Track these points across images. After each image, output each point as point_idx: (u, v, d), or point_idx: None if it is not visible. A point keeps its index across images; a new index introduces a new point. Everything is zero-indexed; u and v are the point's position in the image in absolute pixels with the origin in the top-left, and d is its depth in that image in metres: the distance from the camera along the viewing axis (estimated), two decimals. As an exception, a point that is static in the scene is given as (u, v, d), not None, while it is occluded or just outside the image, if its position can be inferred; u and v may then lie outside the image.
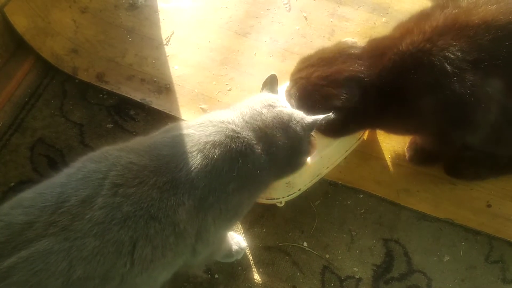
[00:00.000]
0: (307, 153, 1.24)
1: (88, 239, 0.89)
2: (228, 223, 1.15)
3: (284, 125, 1.14)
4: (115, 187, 0.94)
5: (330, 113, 1.17)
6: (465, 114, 1.22)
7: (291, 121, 1.15)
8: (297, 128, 1.15)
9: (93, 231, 0.90)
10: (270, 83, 1.25)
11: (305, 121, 1.17)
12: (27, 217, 0.91)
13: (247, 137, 1.06)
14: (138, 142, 1.08)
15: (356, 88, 1.25)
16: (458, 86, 1.15)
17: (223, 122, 1.07)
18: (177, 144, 1.02)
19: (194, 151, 1.01)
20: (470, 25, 1.16)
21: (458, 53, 1.15)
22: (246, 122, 1.09)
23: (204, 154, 1.00)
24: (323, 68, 1.29)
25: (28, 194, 0.97)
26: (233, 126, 1.06)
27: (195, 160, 1.00)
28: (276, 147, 1.11)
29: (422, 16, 1.27)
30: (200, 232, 1.01)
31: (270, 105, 1.16)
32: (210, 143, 1.02)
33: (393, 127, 1.42)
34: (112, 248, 0.90)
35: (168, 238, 0.96)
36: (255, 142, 1.07)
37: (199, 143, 1.02)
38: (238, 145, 1.04)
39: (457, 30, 1.17)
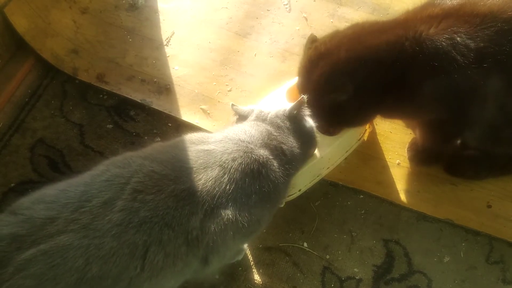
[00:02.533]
0: (312, 128, 1.26)
1: (106, 239, 0.92)
2: (248, 237, 1.18)
3: (282, 131, 1.19)
4: (135, 192, 0.97)
5: (301, 97, 1.20)
6: (464, 106, 1.21)
7: (278, 120, 1.21)
8: (287, 122, 1.21)
9: (112, 232, 0.93)
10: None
11: (285, 114, 1.22)
12: (50, 212, 0.94)
13: (265, 153, 1.12)
14: (161, 150, 1.11)
15: (354, 73, 1.23)
16: (461, 75, 1.14)
17: (243, 141, 1.12)
18: (200, 159, 1.06)
19: (215, 165, 1.05)
20: (475, 12, 1.15)
21: (464, 37, 1.13)
22: (265, 143, 1.14)
23: (223, 167, 1.05)
24: (304, 91, 1.30)
25: (50, 191, 1.00)
26: (252, 146, 1.11)
27: (214, 171, 1.04)
28: (294, 159, 1.18)
29: (428, 4, 1.26)
30: (217, 245, 1.03)
31: (264, 119, 1.21)
32: (230, 158, 1.07)
33: (396, 111, 1.40)
34: (127, 250, 0.93)
35: (181, 247, 0.98)
36: (272, 157, 1.12)
37: (221, 159, 1.06)
38: (259, 159, 1.09)
39: (462, 16, 1.16)
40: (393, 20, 1.29)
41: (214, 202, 1.01)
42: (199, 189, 1.01)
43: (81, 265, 0.90)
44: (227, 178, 1.03)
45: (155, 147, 1.14)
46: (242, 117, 1.26)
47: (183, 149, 1.10)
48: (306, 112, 1.24)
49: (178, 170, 1.03)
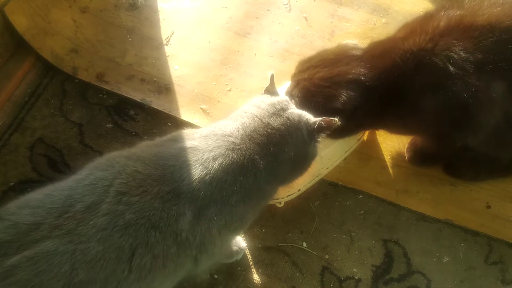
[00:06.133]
0: (314, 156, 1.23)
1: (92, 243, 0.91)
2: (234, 233, 1.17)
3: (293, 131, 1.12)
4: (119, 195, 0.96)
5: (336, 118, 1.13)
6: (467, 117, 1.21)
7: (300, 124, 1.14)
8: (305, 132, 1.14)
9: (97, 237, 0.92)
10: (271, 83, 1.23)
11: (310, 123, 1.15)
12: (34, 218, 0.92)
13: (249, 150, 1.07)
14: (145, 149, 1.09)
15: (357, 91, 1.24)
16: (461, 88, 1.15)
17: (224, 136, 1.08)
18: (182, 156, 1.04)
19: (196, 164, 1.03)
20: (474, 26, 1.16)
21: (462, 53, 1.14)
22: (249, 135, 1.09)
23: (204, 166, 1.02)
24: (325, 69, 1.28)
25: (36, 195, 0.99)
26: (233, 139, 1.07)
27: (196, 171, 1.02)
28: (281, 162, 1.11)
29: (426, 17, 1.27)
30: (204, 244, 1.02)
31: (282, 109, 1.14)
32: (211, 157, 1.04)
33: (395, 127, 1.42)
34: (113, 254, 0.92)
35: (170, 248, 0.97)
36: (257, 157, 1.07)
37: (202, 157, 1.04)
38: (240, 159, 1.05)
39: (461, 31, 1.17)
40: (396, 38, 1.29)
41: (199, 203, 1.00)
42: (184, 190, 0.99)
43: (67, 271, 0.89)
44: (209, 179, 1.01)
45: (141, 145, 1.12)
46: (272, 92, 1.20)
47: (167, 147, 1.08)
48: (323, 135, 1.18)
49: (161, 169, 1.01)
